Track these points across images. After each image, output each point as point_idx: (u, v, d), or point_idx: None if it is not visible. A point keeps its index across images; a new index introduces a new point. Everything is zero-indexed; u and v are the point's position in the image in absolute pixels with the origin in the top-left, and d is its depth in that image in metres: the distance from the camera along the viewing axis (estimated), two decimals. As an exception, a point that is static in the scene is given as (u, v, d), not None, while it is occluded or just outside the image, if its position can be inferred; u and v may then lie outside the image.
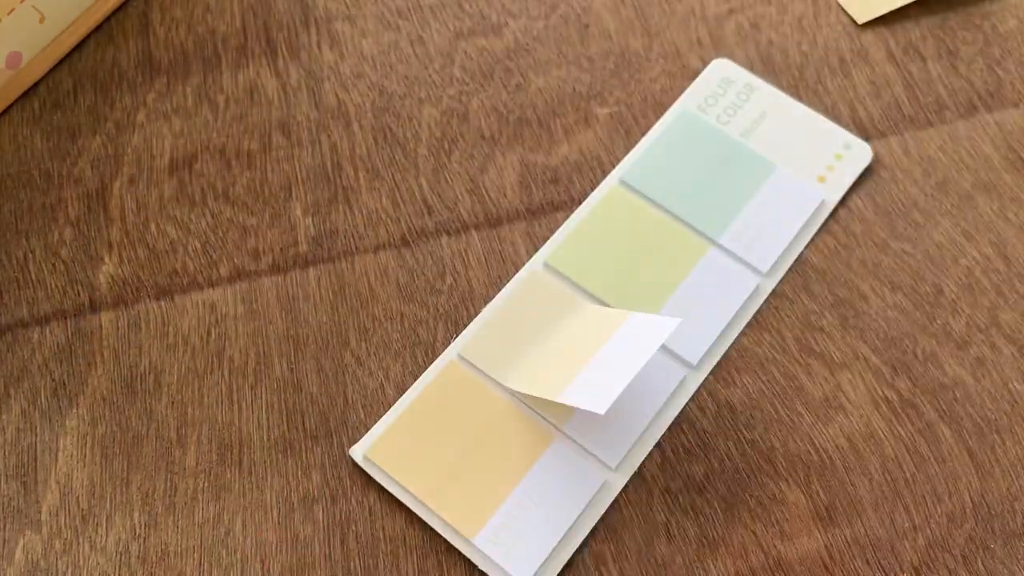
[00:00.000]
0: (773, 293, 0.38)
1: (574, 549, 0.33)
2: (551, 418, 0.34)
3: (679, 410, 0.35)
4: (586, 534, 0.33)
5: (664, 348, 0.36)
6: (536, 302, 0.37)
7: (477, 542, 0.33)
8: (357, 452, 0.34)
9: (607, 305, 0.37)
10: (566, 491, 0.34)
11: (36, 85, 0.43)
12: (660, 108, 0.42)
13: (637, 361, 0.32)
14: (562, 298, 0.37)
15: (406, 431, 0.35)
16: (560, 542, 0.33)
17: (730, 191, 0.39)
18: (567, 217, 0.39)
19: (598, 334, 0.35)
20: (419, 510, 0.33)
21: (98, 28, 0.44)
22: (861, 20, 0.44)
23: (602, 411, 0.31)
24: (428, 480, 0.34)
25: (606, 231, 0.39)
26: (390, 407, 0.35)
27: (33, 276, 0.38)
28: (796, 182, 0.39)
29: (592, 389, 0.32)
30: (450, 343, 0.37)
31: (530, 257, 0.38)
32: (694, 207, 0.39)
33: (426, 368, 0.36)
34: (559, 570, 0.33)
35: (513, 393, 0.35)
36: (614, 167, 0.40)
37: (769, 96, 0.42)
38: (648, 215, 0.39)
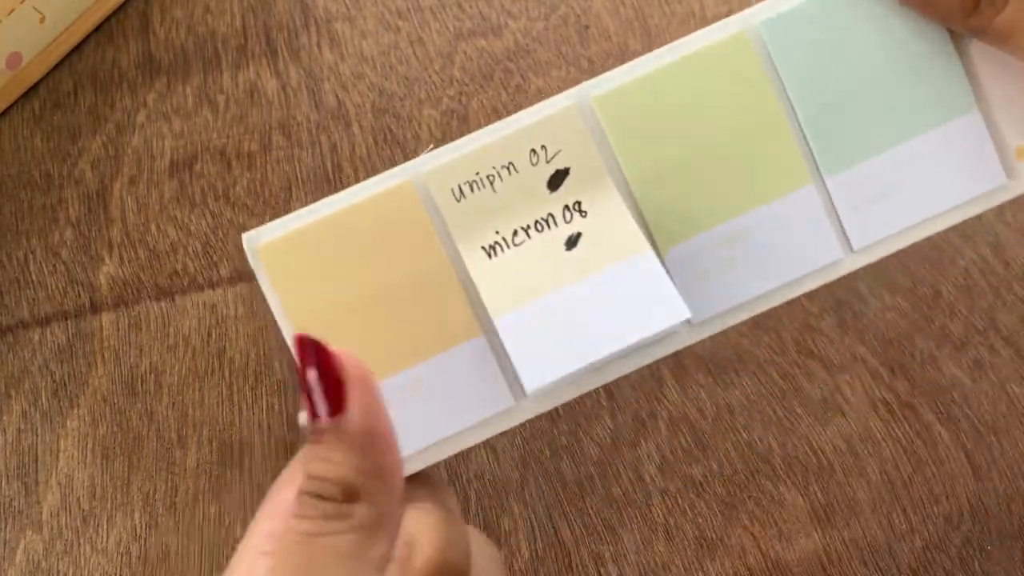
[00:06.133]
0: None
1: (451, 453, 0.28)
2: (487, 304, 0.26)
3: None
4: (468, 447, 0.28)
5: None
6: (555, 143, 0.28)
7: None
8: (251, 239, 0.26)
9: (633, 197, 0.27)
10: (465, 397, 0.27)
11: (36, 85, 0.43)
12: (659, 109, 0.42)
13: (615, 339, 0.25)
14: (587, 159, 0.27)
15: (315, 242, 0.26)
16: (442, 442, 0.27)
17: (884, 114, 0.27)
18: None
19: (601, 251, 0.26)
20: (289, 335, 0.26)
21: (98, 28, 0.44)
22: (860, 21, 0.44)
23: (531, 388, 0.25)
24: (317, 309, 0.26)
25: (694, 87, 0.27)
26: None
27: (33, 277, 0.38)
28: (985, 144, 0.27)
29: (550, 344, 0.25)
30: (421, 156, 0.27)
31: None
32: (823, 119, 0.26)
33: None
34: (429, 464, 0.27)
35: (458, 253, 0.27)
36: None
37: None
38: (759, 83, 0.27)
